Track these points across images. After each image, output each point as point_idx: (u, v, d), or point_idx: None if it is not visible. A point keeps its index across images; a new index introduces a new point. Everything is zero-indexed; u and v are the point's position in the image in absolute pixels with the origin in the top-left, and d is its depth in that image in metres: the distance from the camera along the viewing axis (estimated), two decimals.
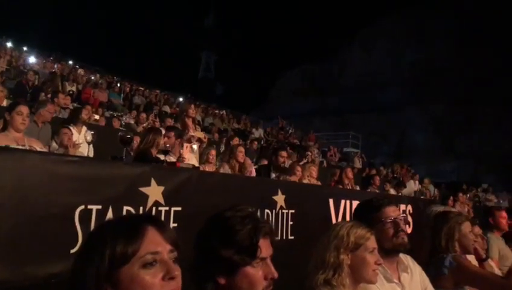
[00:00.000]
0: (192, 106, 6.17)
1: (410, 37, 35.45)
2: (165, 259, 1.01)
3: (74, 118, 5.96)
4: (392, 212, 2.25)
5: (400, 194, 9.51)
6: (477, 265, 2.91)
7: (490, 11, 31.50)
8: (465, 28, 32.19)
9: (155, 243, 1.02)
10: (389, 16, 37.67)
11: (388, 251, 2.20)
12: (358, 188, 8.20)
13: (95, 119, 8.40)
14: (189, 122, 5.86)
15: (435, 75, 31.78)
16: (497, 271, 3.36)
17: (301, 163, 7.67)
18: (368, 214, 2.23)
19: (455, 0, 34.15)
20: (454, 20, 33.40)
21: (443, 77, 31.15)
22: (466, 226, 2.78)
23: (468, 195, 11.65)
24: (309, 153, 13.30)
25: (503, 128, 27.40)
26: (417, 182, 12.87)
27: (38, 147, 3.81)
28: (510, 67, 28.71)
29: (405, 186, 10.76)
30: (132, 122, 9.35)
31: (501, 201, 14.91)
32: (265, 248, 1.35)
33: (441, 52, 32.69)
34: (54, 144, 5.11)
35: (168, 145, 4.33)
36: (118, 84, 15.70)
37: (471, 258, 2.91)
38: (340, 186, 7.12)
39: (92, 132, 4.04)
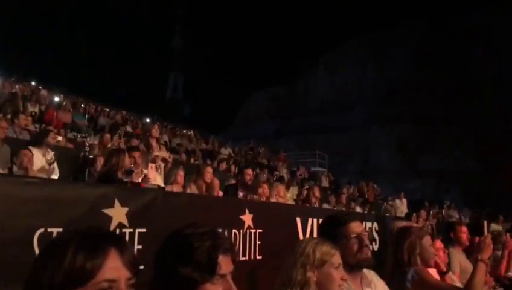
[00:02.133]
0: (156, 126, 6.20)
1: (371, 59, 36.74)
2: (121, 288, 0.99)
3: (39, 140, 5.78)
4: (356, 227, 2.28)
5: (366, 211, 9.67)
6: (438, 278, 2.98)
7: (445, 34, 33.16)
8: (424, 50, 33.69)
9: (114, 269, 0.99)
10: (352, 40, 39.05)
11: (352, 266, 2.22)
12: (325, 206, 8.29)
13: (57, 140, 8.17)
14: (153, 142, 5.83)
15: (397, 96, 32.94)
16: (459, 284, 3.45)
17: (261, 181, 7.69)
18: (333, 230, 2.26)
19: (413, 24, 35.80)
20: (412, 43, 34.91)
21: (404, 98, 32.29)
22: (427, 240, 2.86)
23: (431, 212, 11.98)
24: (277, 173, 13.38)
25: (463, 146, 28.52)
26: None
27: None
28: (468, 86, 30.15)
29: (370, 205, 10.96)
30: (96, 143, 9.17)
31: (462, 217, 15.41)
32: (225, 265, 1.34)
33: (402, 74, 33.99)
34: (14, 167, 4.93)
35: (132, 165, 4.27)
36: (82, 105, 15.37)
37: (433, 272, 2.98)
38: (308, 205, 7.16)
39: (53, 153, 3.93)
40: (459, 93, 29.97)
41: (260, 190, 6.27)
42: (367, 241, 2.28)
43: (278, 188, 7.20)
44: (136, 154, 4.83)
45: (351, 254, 2.22)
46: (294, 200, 8.56)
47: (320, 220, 5.11)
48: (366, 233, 2.31)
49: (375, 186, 14.15)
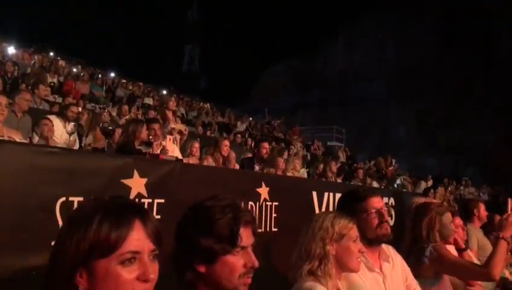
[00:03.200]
0: (173, 98, 6.22)
1: (393, 32, 35.80)
2: (144, 260, 1.00)
3: (60, 112, 5.90)
4: (376, 203, 2.27)
5: (383, 187, 9.63)
6: (456, 255, 2.97)
7: (470, 8, 32.01)
8: (447, 25, 32.65)
9: (138, 240, 1.00)
10: (373, 11, 38.00)
11: (371, 241, 2.22)
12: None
13: (78, 112, 8.28)
14: (170, 114, 5.86)
15: (417, 70, 32.20)
16: (476, 261, 3.43)
17: (285, 156, 7.71)
18: (353, 204, 2.25)
19: None
20: (436, 17, 33.83)
21: (424, 72, 31.57)
22: (447, 217, 2.83)
23: (449, 188, 11.86)
24: (293, 147, 13.37)
25: (483, 122, 27.94)
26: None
27: (18, 138, 3.74)
28: (490, 62, 29.27)
29: (387, 180, 10.89)
30: (114, 114, 9.26)
31: (481, 194, 15.22)
32: (246, 237, 1.35)
33: (423, 48, 33.11)
34: (35, 136, 5.03)
35: (151, 137, 4.30)
36: (100, 76, 15.45)
37: (451, 248, 2.96)
38: (324, 179, 7.17)
39: (73, 123, 3.98)
40: (481, 69, 29.16)
41: (277, 165, 6.27)
42: (387, 217, 2.27)
43: (294, 162, 7.21)
44: (156, 126, 4.85)
45: (371, 228, 2.22)
46: (308, 173, 8.57)
47: (337, 195, 5.16)
48: (385, 208, 2.29)
49: (393, 161, 14.01)
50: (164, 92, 18.99)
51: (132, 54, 48.43)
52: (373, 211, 2.23)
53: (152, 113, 8.48)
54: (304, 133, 20.46)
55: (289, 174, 6.75)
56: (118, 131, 4.76)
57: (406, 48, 34.27)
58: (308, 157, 14.36)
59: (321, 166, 8.28)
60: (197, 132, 12.54)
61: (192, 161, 5.88)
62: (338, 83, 36.21)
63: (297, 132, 19.12)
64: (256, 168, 6.15)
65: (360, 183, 8.44)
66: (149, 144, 4.26)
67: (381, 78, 34.19)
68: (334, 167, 7.75)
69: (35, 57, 14.39)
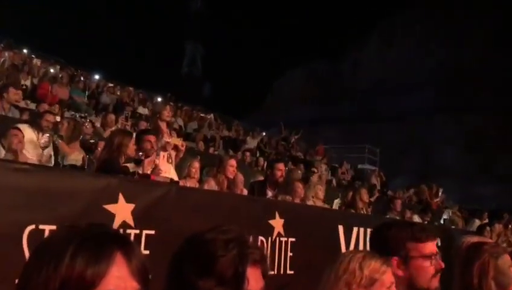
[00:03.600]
0: (168, 107, 6.26)
1: (439, 32, 35.89)
2: None
3: (32, 121, 5.99)
4: (433, 247, 2.25)
5: (426, 222, 9.53)
6: None
7: None
8: (507, 27, 32.62)
9: (119, 278, 0.99)
10: (414, 7, 38.18)
11: None
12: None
13: (54, 121, 8.39)
14: (164, 126, 5.91)
15: (469, 80, 32.10)
16: None
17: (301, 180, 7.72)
18: (404, 244, 2.23)
19: None
20: (492, 17, 33.85)
21: (480, 82, 31.46)
22: (504, 261, 2.78)
23: (510, 226, 11.66)
24: (315, 170, 13.34)
25: None
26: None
27: None
28: None
29: (432, 213, 10.78)
30: (98, 125, 9.35)
31: None
32: (254, 279, 1.34)
33: (478, 53, 33.06)
34: (1, 149, 5.09)
35: (141, 153, 4.32)
36: (82, 79, 15.67)
37: None
38: (353, 211, 7.13)
39: (48, 135, 4.02)
40: None
41: (295, 191, 6.26)
42: (442, 265, 2.25)
43: (316, 189, 7.18)
44: (150, 139, 4.89)
45: (424, 278, 2.19)
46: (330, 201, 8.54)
47: (368, 230, 5.11)
48: (438, 253, 2.28)
49: (440, 190, 13.88)
50: (159, 99, 19.17)
51: (121, 53, 49.17)
52: (428, 256, 2.21)
53: (144, 125, 8.57)
54: (329, 153, 20.42)
55: (309, 203, 6.71)
56: (101, 145, 4.81)
57: (455, 49, 34.29)
58: (334, 182, 14.29)
59: (350, 194, 8.24)
60: (197, 148, 12.60)
61: (191, 183, 5.87)
62: (371, 92, 36.27)
63: (321, 151, 19.11)
64: (269, 194, 6.13)
65: (397, 217, 8.35)
66: (138, 161, 4.28)
67: (425, 87, 34.18)
68: (366, 195, 7.70)
69: (6, 54, 14.66)
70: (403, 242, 2.23)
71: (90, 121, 7.63)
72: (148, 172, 4.41)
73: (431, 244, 2.26)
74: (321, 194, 7.24)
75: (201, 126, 16.39)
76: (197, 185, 6.18)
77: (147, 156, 4.59)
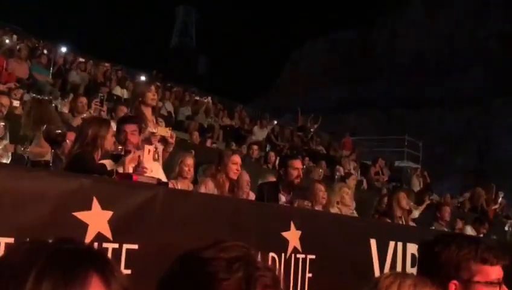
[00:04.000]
0: (153, 87, 6.20)
1: None
2: None
3: None
4: (500, 271, 2.24)
5: (482, 235, 9.50)
6: None
7: None
8: None
9: None
10: None
11: None
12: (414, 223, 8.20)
13: (10, 106, 8.39)
14: (148, 112, 5.88)
15: None
16: None
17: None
18: (468, 265, 2.21)
19: None
20: None
21: None
22: None
23: None
24: (341, 168, 13.33)
25: None
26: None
27: None
28: None
29: (490, 224, 10.73)
30: (66, 110, 9.35)
31: None
32: None
33: None
34: None
35: (120, 147, 4.32)
36: (46, 52, 15.67)
37: None
38: (389, 221, 7.12)
39: (3, 123, 4.02)
40: None
41: (316, 195, 6.22)
42: None
43: (342, 192, 7.16)
44: (131, 128, 4.88)
45: None
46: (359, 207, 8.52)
47: (409, 246, 5.09)
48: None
49: (500, 195, 13.80)
50: (142, 77, 19.16)
51: (94, 20, 49.17)
52: (498, 283, 2.20)
53: (123, 110, 8.56)
54: (359, 147, 20.38)
55: (334, 210, 6.70)
56: (71, 136, 4.80)
57: None
58: (365, 184, 14.27)
59: (385, 199, 8.22)
60: (191, 141, 12.60)
61: (183, 185, 5.86)
62: (411, 70, 36.12)
63: (348, 144, 19.05)
64: (283, 199, 6.10)
65: (445, 229, 8.33)
66: (117, 157, 4.28)
67: (480, 64, 33.99)
68: (406, 201, 7.68)
69: None
70: (466, 263, 2.21)
71: (56, 105, 7.63)
72: (130, 171, 4.40)
73: (499, 267, 2.24)
74: (348, 200, 7.23)
75: (196, 112, 16.40)
76: (191, 188, 6.17)
77: (128, 151, 4.58)
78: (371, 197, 10.01)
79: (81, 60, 17.03)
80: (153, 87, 6.18)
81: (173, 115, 15.32)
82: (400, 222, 7.31)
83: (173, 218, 3.51)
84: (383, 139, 23.89)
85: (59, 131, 3.81)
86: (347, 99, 36.01)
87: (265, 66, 46.12)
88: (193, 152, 7.94)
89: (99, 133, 4.51)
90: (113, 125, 5.09)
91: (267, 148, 14.76)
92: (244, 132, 16.75)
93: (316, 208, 6.21)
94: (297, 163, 6.48)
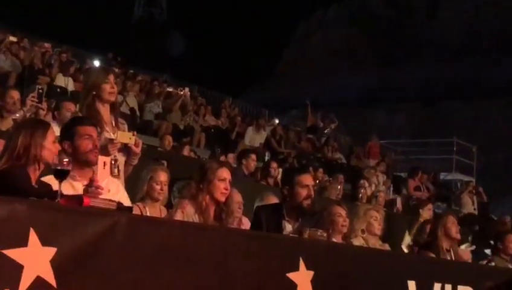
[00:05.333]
0: (111, 77, 6.16)
1: None
2: None
3: None
4: None
5: None
6: None
7: None
8: None
9: None
10: None
11: None
12: (470, 257, 8.20)
13: None
14: (105, 111, 5.87)
15: None
16: None
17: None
18: None
19: None
20: None
21: None
22: None
23: None
24: (366, 184, 13.34)
25: None
26: None
27: None
28: None
29: None
30: None
31: None
32: None
33: None
34: None
35: (66, 160, 4.31)
36: None
37: None
38: (433, 255, 7.12)
39: None
40: None
41: (333, 222, 6.26)
42: None
43: (367, 216, 7.17)
44: (90, 131, 4.90)
45: None
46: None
47: (463, 289, 5.06)
48: None
49: None
50: (95, 62, 19.18)
51: None
52: None
53: (70, 108, 8.55)
54: (390, 154, 20.44)
55: (357, 242, 6.69)
56: None
57: None
58: (399, 205, 14.26)
59: (427, 225, 8.22)
60: (163, 148, 12.60)
61: (153, 210, 5.89)
62: (461, 49, 36.21)
63: (376, 150, 19.11)
64: (288, 228, 6.10)
65: (509, 265, 8.35)
66: (62, 173, 4.27)
67: None
68: (456, 227, 7.68)
69: None
70: None
71: None
72: (80, 192, 4.40)
73: None
74: (378, 227, 7.22)
75: (169, 109, 16.40)
76: (164, 213, 6.18)
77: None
78: (407, 224, 10.02)
79: (12, 39, 17.04)
80: (111, 77, 6.13)
81: (137, 113, 15.30)
82: (448, 257, 7.31)
83: (139, 256, 3.51)
84: (423, 143, 23.91)
85: None
86: (374, 88, 35.99)
87: (263, 44, 46.06)
88: (165, 163, 7.95)
89: (35, 140, 4.50)
90: (56, 129, 5.08)
91: (266, 157, 14.77)
92: (234, 135, 16.76)
93: (334, 240, 6.21)
94: (308, 179, 6.44)
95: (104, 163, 4.54)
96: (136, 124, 12.52)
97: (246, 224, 6.57)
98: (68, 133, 4.96)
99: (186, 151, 13.39)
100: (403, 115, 32.13)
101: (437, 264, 6.54)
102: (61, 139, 4.84)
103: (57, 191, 4.13)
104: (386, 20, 40.81)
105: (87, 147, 4.85)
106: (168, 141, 13.29)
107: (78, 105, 6.92)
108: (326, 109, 20.00)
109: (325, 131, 18.87)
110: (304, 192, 6.25)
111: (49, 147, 4.52)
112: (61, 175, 4.20)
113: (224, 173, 5.90)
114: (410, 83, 35.63)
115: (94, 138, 4.91)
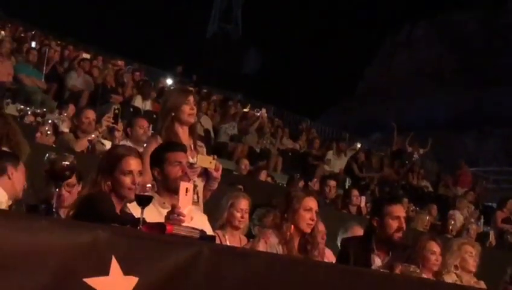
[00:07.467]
0: (191, 98, 6.20)
1: None
2: None
3: None
4: None
5: None
6: None
7: None
8: None
9: None
10: None
11: None
12: None
13: None
14: (183, 133, 5.91)
15: None
16: None
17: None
18: None
19: None
20: None
21: None
22: None
23: None
24: (455, 213, 13.16)
25: None
26: None
27: None
28: None
29: None
30: (66, 129, 9.46)
31: None
32: None
33: None
34: None
35: (149, 185, 4.36)
36: (34, 45, 16.00)
37: None
38: None
39: None
40: None
41: (423, 257, 6.24)
42: None
43: (462, 251, 7.08)
44: (181, 158, 5.00)
45: None
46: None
47: None
48: None
49: None
50: (169, 80, 19.37)
51: (104, 3, 49.87)
52: None
53: (143, 126, 8.65)
54: (481, 183, 20.11)
55: (450, 279, 6.60)
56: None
57: None
58: (492, 239, 14.00)
59: None
60: (238, 172, 12.64)
61: (233, 239, 5.92)
62: None
63: (467, 178, 18.83)
64: (377, 262, 6.08)
65: None
66: (145, 200, 4.29)
67: None
68: None
69: None
70: None
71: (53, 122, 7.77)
72: (161, 220, 4.44)
73: None
74: (472, 263, 7.12)
75: (245, 131, 16.43)
76: (244, 242, 6.20)
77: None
78: (502, 259, 9.83)
79: (85, 56, 17.29)
80: (191, 98, 6.17)
81: (212, 135, 15.36)
82: None
83: (222, 287, 3.53)
84: None
85: (66, 162, 3.85)
86: (465, 111, 35.50)
87: (343, 62, 45.83)
88: (242, 188, 7.97)
89: (123, 165, 4.55)
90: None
91: (347, 184, 14.69)
92: (314, 159, 16.72)
93: (424, 276, 6.12)
94: (400, 210, 6.37)
95: (187, 189, 4.55)
96: (211, 146, 12.57)
97: (329, 256, 6.52)
98: (158, 160, 5.07)
99: (263, 175, 13.42)
100: (495, 141, 31.59)
101: None
102: (151, 165, 4.94)
103: (139, 218, 4.18)
104: (478, 37, 40.31)
105: (177, 173, 4.96)
106: (245, 164, 13.35)
107: (149, 125, 7.02)
108: (413, 133, 19.76)
109: (413, 157, 18.67)
110: (395, 224, 6.18)
111: (134, 172, 4.59)
112: (143, 201, 4.26)
113: (311, 203, 5.89)
114: (504, 106, 35.02)
115: (184, 165, 4.99)
